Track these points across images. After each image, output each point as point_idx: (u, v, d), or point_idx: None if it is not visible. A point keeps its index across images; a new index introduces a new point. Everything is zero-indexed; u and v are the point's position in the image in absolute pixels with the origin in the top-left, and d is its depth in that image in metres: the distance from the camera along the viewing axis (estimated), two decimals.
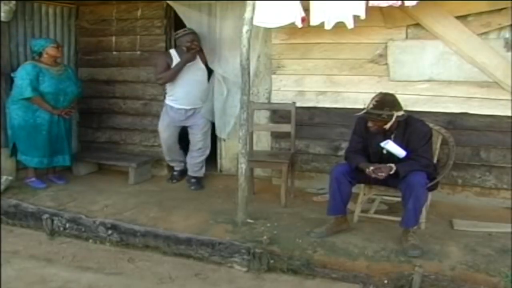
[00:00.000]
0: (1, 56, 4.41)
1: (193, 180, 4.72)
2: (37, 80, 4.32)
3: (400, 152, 3.26)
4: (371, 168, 3.23)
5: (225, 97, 4.76)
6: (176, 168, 4.92)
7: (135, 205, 4.12)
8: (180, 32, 4.50)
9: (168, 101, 4.64)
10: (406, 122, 3.30)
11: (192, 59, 4.45)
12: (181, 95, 4.54)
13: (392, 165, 3.22)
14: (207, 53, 4.71)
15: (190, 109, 4.60)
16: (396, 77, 4.14)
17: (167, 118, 4.66)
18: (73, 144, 4.84)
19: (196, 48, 4.46)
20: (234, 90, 4.72)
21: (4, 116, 4.49)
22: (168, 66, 4.48)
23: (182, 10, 4.70)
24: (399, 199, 3.42)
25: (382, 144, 3.28)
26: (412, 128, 3.29)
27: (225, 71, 4.67)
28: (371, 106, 3.21)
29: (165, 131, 4.68)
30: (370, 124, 3.27)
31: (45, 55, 4.40)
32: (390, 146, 3.27)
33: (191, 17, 4.70)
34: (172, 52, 4.57)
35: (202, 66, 4.61)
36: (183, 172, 4.89)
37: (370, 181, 3.47)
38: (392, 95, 3.30)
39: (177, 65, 4.45)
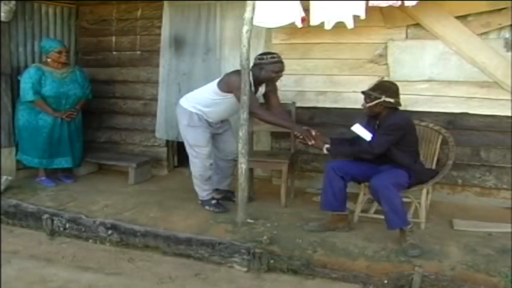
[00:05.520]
0: (1, 56, 4.42)
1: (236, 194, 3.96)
2: (39, 83, 4.38)
3: (365, 135, 3.35)
4: (300, 129, 3.55)
5: None
6: (215, 196, 4.05)
7: (135, 205, 4.12)
8: (268, 57, 3.72)
9: (195, 109, 3.85)
10: (393, 114, 3.37)
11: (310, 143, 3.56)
12: (218, 112, 3.89)
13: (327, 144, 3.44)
14: (204, 53, 4.73)
15: (219, 121, 4.04)
16: (396, 77, 4.12)
17: (207, 128, 3.90)
18: (77, 145, 4.77)
19: (276, 80, 3.87)
20: None
21: (5, 116, 4.52)
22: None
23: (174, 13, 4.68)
24: None
25: (351, 128, 3.40)
26: (390, 119, 3.35)
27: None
28: (369, 87, 3.39)
29: (208, 144, 3.92)
30: (363, 103, 3.43)
31: (48, 59, 4.45)
32: (356, 128, 3.37)
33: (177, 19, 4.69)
34: None
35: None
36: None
37: (362, 178, 3.49)
38: (392, 84, 3.45)
39: (290, 123, 3.81)
